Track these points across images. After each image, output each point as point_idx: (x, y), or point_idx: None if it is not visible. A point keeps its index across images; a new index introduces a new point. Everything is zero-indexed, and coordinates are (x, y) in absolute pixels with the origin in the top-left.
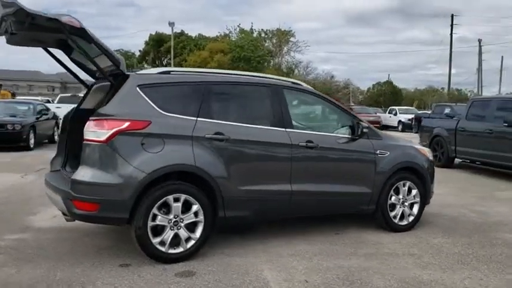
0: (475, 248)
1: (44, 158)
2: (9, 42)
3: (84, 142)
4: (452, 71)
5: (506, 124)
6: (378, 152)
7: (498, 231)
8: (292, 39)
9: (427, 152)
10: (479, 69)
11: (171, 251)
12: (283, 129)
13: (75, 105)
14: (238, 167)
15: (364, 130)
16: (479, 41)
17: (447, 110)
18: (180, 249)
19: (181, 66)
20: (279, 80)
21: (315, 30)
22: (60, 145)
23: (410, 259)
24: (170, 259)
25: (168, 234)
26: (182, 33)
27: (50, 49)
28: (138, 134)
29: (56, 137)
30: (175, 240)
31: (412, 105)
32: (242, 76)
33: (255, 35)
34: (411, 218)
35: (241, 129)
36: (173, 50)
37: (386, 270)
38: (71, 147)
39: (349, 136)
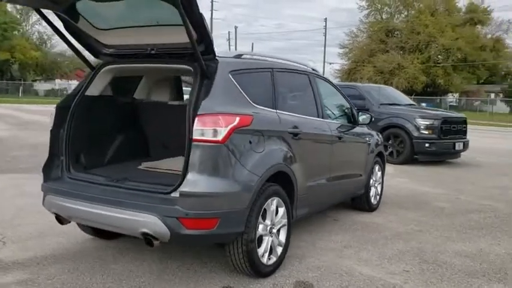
0: (445, 218)
1: None
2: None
3: (194, 143)
4: None
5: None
6: (367, 138)
7: (432, 202)
8: None
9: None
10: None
11: (268, 262)
12: (323, 120)
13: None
14: (305, 163)
15: (373, 119)
16: (236, 27)
17: None
18: (274, 259)
19: None
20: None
21: None
22: (55, 143)
23: (428, 235)
24: (267, 272)
25: (267, 243)
26: None
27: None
28: (247, 131)
29: None
30: (269, 249)
31: None
32: (289, 62)
33: None
34: (378, 197)
35: (307, 122)
36: None
37: (434, 247)
38: (75, 144)
39: (355, 124)
